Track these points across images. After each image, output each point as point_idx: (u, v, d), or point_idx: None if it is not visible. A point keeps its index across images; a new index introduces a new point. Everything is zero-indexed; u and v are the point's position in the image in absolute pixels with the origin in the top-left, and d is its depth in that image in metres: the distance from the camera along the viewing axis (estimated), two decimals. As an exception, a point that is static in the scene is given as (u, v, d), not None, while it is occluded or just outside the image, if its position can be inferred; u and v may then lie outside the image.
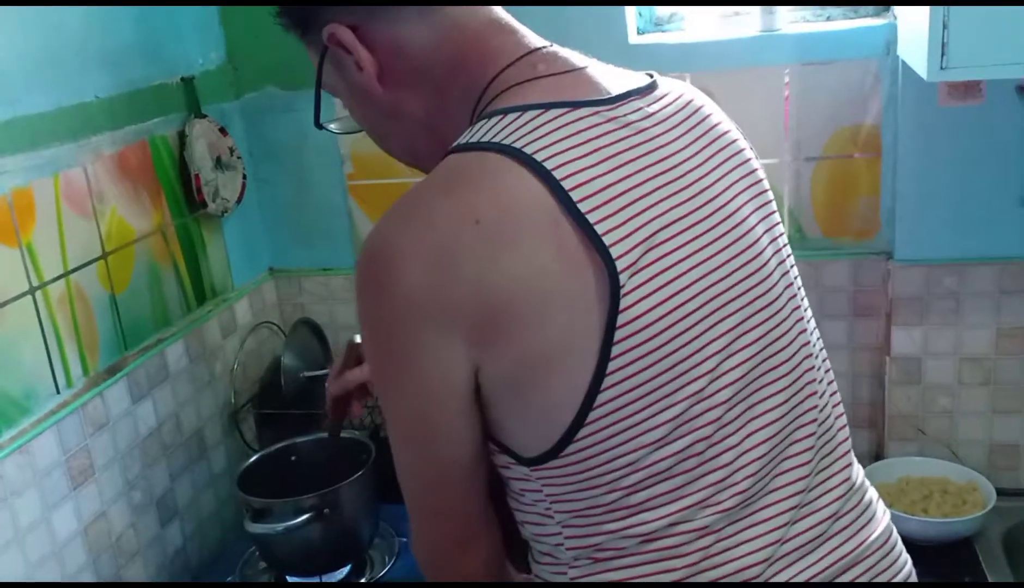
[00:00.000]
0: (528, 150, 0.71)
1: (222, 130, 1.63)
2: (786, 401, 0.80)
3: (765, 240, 0.81)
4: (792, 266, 0.86)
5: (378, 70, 0.81)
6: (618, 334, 0.70)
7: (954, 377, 1.53)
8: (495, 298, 0.69)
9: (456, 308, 0.70)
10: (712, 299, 0.75)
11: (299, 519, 1.24)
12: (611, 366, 0.70)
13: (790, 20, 1.54)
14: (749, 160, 0.85)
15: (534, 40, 0.83)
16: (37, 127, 1.23)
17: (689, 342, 0.73)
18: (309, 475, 1.41)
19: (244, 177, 1.68)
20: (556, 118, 0.74)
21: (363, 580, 1.38)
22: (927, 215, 1.48)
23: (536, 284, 0.70)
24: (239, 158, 1.67)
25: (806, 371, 0.82)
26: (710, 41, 1.53)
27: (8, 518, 1.16)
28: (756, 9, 1.51)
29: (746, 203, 0.81)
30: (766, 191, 0.85)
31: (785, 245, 0.86)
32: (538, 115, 0.74)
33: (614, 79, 0.80)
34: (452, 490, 0.80)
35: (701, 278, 0.75)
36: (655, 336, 0.71)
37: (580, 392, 0.71)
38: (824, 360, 0.87)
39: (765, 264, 0.80)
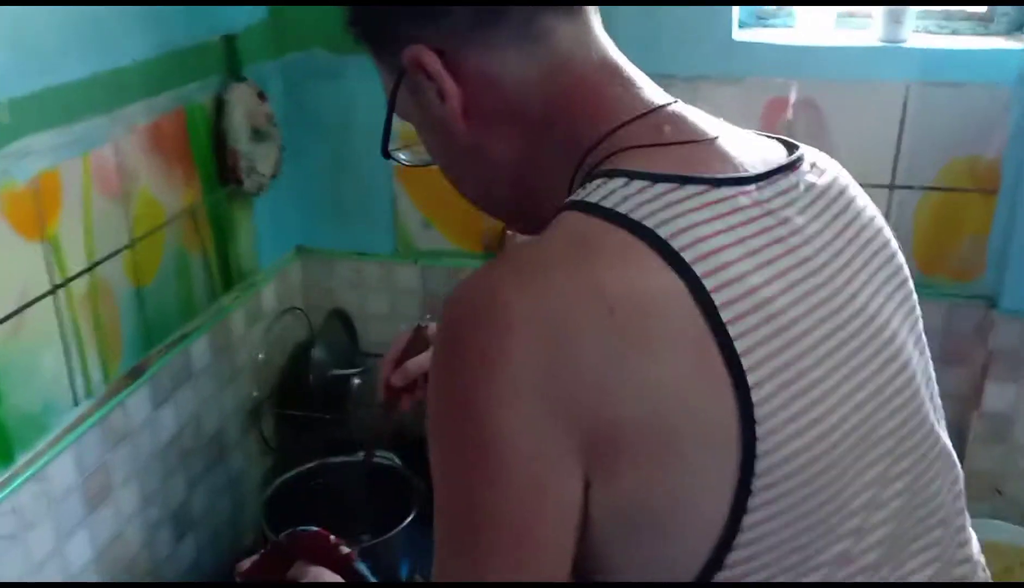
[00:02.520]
0: (662, 232, 0.58)
1: (260, 95, 1.44)
2: (937, 558, 0.67)
3: (914, 355, 0.68)
4: (932, 377, 0.72)
5: (463, 103, 0.68)
6: (756, 483, 0.57)
7: (1047, 438, 1.43)
8: (622, 412, 0.56)
9: (574, 409, 0.56)
10: (861, 441, 0.62)
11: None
12: (747, 520, 0.57)
13: (911, 29, 1.38)
14: (895, 254, 0.71)
15: (655, 95, 0.69)
16: (69, 98, 1.04)
17: (835, 494, 0.60)
18: (337, 500, 1.26)
19: (280, 148, 1.50)
20: (693, 197, 0.60)
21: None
22: (1042, 264, 1.36)
23: (670, 405, 0.56)
24: (276, 126, 1.48)
25: (957, 515, 0.70)
26: (824, 47, 1.37)
27: (21, 555, 1.01)
28: (880, 14, 1.35)
29: (895, 311, 0.68)
30: (911, 291, 0.72)
31: (926, 350, 0.72)
32: (672, 190, 0.60)
33: (752, 151, 0.66)
34: None
35: (851, 413, 0.61)
36: (798, 488, 0.58)
37: (707, 547, 0.58)
38: None
39: (916, 391, 0.67)
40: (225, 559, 1.46)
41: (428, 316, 1.11)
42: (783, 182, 0.64)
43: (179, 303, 1.30)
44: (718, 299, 0.57)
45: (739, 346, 0.57)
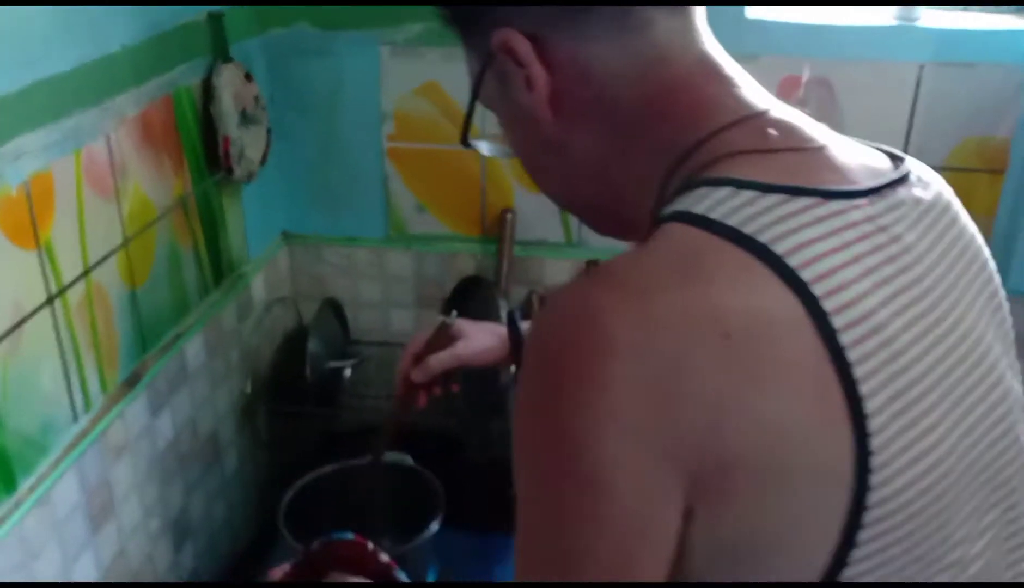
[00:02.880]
0: (778, 249, 0.54)
1: (247, 76, 1.35)
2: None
3: (1010, 381, 0.66)
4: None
5: (551, 93, 0.63)
6: (867, 517, 0.54)
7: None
8: (734, 446, 0.52)
9: (681, 441, 0.52)
10: (965, 471, 0.59)
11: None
12: (854, 554, 0.55)
13: (925, 7, 1.35)
14: (993, 275, 0.68)
15: (756, 96, 0.64)
16: (58, 92, 0.95)
17: (941, 525, 0.58)
18: (354, 504, 1.21)
19: (268, 131, 1.42)
20: (806, 211, 0.56)
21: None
22: (1050, 244, 1.35)
23: (787, 440, 0.53)
24: (264, 109, 1.40)
25: None
26: (837, 26, 1.33)
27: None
28: (893, -6, 1.32)
29: (994, 335, 0.65)
30: (1006, 313, 0.68)
31: (1019, 373, 0.69)
32: (783, 202, 0.56)
33: (859, 161, 0.63)
34: None
35: (957, 442, 0.59)
36: (907, 521, 0.56)
37: (810, 581, 0.56)
38: None
39: (1013, 420, 0.64)
40: (222, 565, 1.41)
41: (455, 313, 1.07)
42: (893, 197, 0.61)
43: (172, 302, 1.23)
44: (837, 322, 0.53)
45: (857, 373, 0.53)
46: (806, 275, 0.54)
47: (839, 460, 0.53)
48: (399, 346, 1.62)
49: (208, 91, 1.26)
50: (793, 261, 0.54)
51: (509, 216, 1.50)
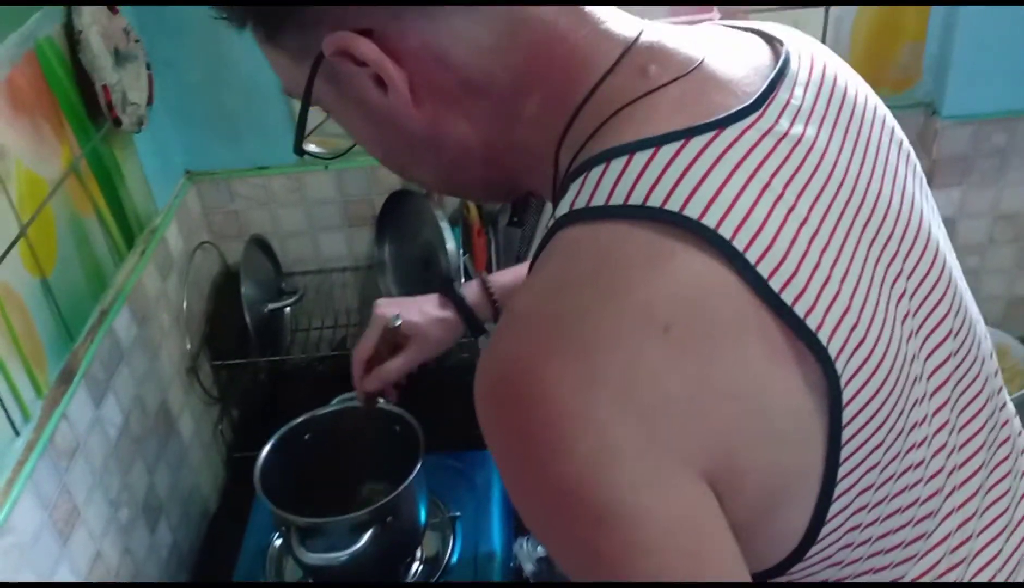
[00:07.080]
0: (690, 212, 0.50)
1: (111, 7, 1.20)
2: (984, 444, 0.65)
3: (939, 234, 0.64)
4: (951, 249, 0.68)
5: (410, 88, 0.57)
6: (845, 434, 0.54)
7: (986, 236, 1.46)
8: (716, 426, 0.50)
9: (673, 443, 0.50)
10: (918, 351, 0.59)
11: (363, 540, 0.99)
12: (841, 471, 0.55)
13: None
14: (894, 127, 0.66)
15: (623, 25, 0.59)
16: (-92, 80, 0.81)
17: (904, 414, 0.57)
18: (331, 452, 1.16)
19: (148, 66, 1.27)
20: (704, 152, 0.52)
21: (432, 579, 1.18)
22: (981, 65, 1.34)
23: (756, 400, 0.51)
24: (137, 41, 1.25)
25: (999, 391, 0.68)
26: None
27: (8, 624, 0.88)
28: None
29: (913, 191, 0.63)
30: (916, 161, 0.67)
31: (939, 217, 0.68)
32: (679, 151, 0.52)
33: (741, 61, 0.58)
34: None
35: (902, 320, 0.58)
36: (881, 426, 0.56)
37: (809, 513, 0.56)
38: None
39: (951, 280, 0.63)
40: (200, 531, 1.36)
41: (398, 315, 1.00)
42: (783, 92, 0.56)
43: (88, 280, 1.12)
44: (764, 269, 0.50)
45: (799, 309, 0.51)
46: (724, 230, 0.50)
47: (807, 394, 0.52)
48: (335, 271, 1.56)
49: (72, 36, 1.11)
50: (709, 220, 0.50)
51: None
